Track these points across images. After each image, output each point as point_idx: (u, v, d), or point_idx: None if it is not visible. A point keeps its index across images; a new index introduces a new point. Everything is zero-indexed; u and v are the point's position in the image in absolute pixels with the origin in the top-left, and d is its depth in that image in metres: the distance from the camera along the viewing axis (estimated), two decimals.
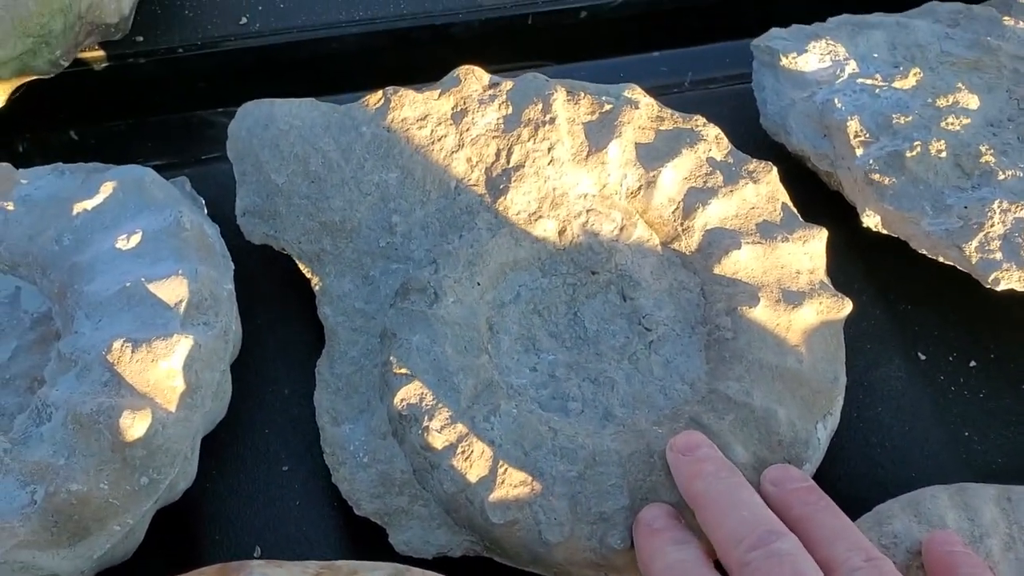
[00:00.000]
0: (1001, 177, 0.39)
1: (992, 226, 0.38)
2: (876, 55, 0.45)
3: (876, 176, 0.40)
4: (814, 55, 0.44)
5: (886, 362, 0.42)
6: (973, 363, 0.42)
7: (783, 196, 0.40)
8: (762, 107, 0.45)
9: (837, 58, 0.44)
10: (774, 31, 0.46)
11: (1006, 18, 0.45)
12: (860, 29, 0.46)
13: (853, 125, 0.42)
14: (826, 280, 0.39)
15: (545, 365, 0.38)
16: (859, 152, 0.41)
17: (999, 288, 0.38)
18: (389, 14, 0.54)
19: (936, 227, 0.39)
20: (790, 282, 0.38)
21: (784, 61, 0.44)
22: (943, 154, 0.40)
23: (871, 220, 0.41)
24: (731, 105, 0.49)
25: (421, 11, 0.55)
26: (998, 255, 0.37)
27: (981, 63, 0.43)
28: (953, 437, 0.40)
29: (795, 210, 0.41)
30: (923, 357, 0.42)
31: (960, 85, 0.43)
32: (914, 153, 0.40)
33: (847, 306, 0.38)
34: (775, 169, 0.41)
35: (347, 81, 0.54)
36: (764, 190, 0.40)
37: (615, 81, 0.52)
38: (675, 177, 0.40)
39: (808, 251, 0.39)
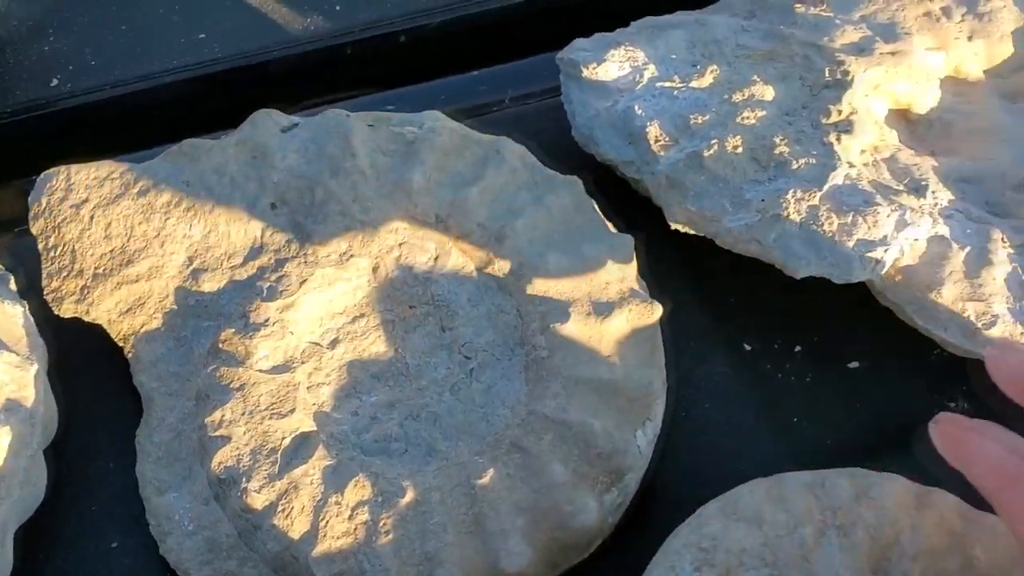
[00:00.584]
0: (795, 166, 0.40)
1: (788, 216, 0.39)
2: (675, 56, 0.45)
3: (678, 178, 0.41)
4: (614, 63, 0.45)
5: (711, 358, 0.43)
6: (798, 348, 0.43)
7: (589, 208, 0.41)
8: (572, 120, 0.46)
9: (636, 64, 0.45)
10: (577, 42, 0.47)
11: (797, 5, 0.47)
12: (660, 31, 0.47)
13: (653, 130, 0.42)
14: (638, 286, 0.39)
15: (367, 408, 0.37)
16: (661, 156, 0.42)
17: (799, 277, 0.38)
18: (204, 59, 0.54)
19: (736, 223, 0.39)
20: (600, 293, 0.38)
21: (586, 72, 0.45)
22: (739, 149, 0.41)
23: (678, 222, 0.41)
24: (548, 119, 0.49)
25: (236, 52, 0.54)
26: (795, 244, 0.38)
27: (775, 53, 0.44)
28: (782, 425, 0.41)
29: (604, 220, 0.41)
30: (749, 348, 0.43)
31: (756, 78, 0.44)
32: (711, 152, 0.41)
33: (657, 310, 0.38)
34: (580, 182, 0.42)
35: (166, 132, 0.53)
36: (570, 203, 0.41)
37: (437, 105, 0.52)
38: (482, 200, 0.40)
39: (617, 259, 0.39)
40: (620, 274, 0.39)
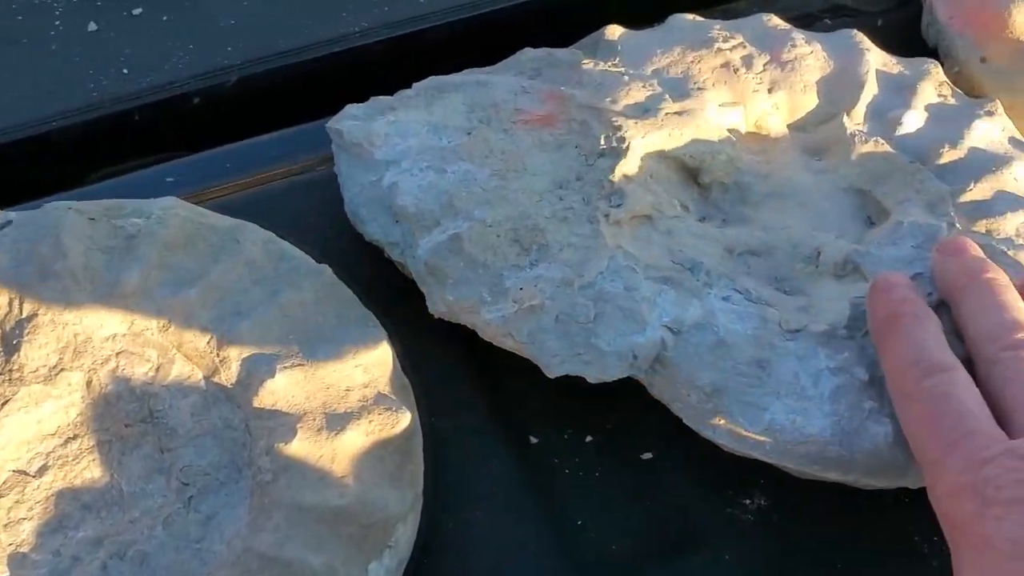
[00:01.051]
0: (558, 250, 0.36)
1: (543, 307, 0.35)
2: (450, 123, 0.41)
3: (437, 264, 0.37)
4: (384, 133, 0.41)
5: (491, 455, 0.39)
6: (589, 438, 0.39)
7: (339, 300, 0.37)
8: (344, 193, 0.42)
9: (408, 133, 0.41)
10: (349, 108, 0.43)
11: (585, 61, 0.43)
12: (440, 94, 0.43)
13: (416, 209, 0.38)
14: (389, 389, 0.35)
15: (72, 546, 0.33)
16: (422, 239, 0.38)
17: (553, 376, 0.35)
18: None
19: (494, 315, 0.36)
20: (338, 403, 0.34)
21: (352, 142, 0.41)
22: (503, 230, 0.37)
23: (440, 312, 0.37)
24: (327, 191, 0.45)
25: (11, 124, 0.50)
26: (549, 339, 0.34)
27: (552, 117, 0.41)
28: (566, 530, 0.37)
29: (361, 313, 0.37)
30: (535, 441, 0.39)
31: (530, 146, 0.40)
32: (473, 233, 0.37)
33: (404, 419, 0.34)
34: (328, 271, 0.38)
35: None
36: (312, 298, 0.36)
37: (223, 174, 0.48)
38: (207, 300, 0.36)
39: (362, 362, 0.35)
40: (365, 378, 0.35)
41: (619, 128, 0.39)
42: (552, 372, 0.34)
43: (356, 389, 0.35)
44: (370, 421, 0.34)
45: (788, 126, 0.42)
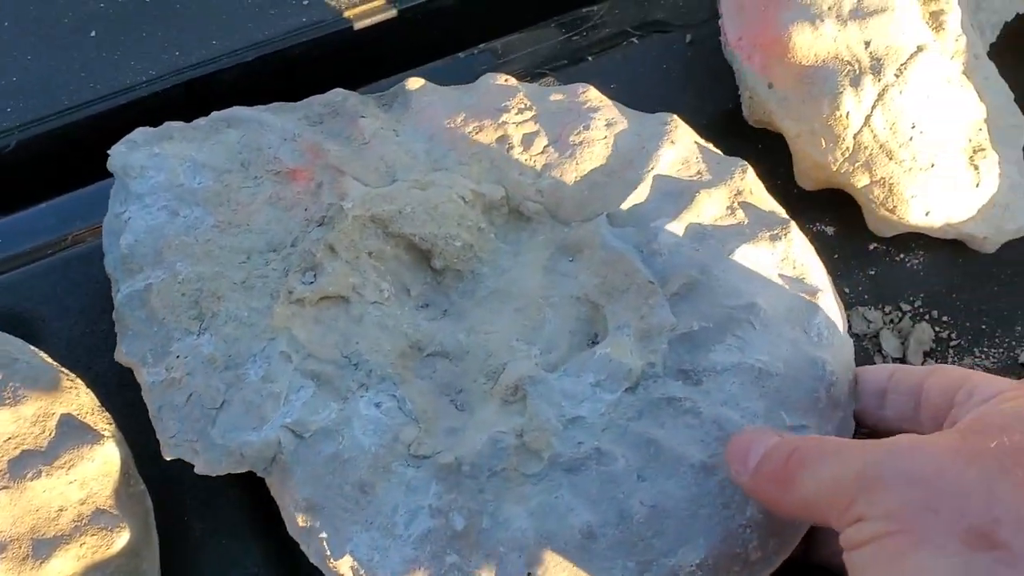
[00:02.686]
0: (222, 322, 0.35)
1: (181, 382, 0.34)
2: (213, 162, 0.40)
3: (125, 313, 0.36)
4: (139, 164, 0.40)
5: (246, 555, 0.36)
6: None
7: (66, 404, 0.34)
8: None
9: (164, 167, 0.40)
10: (136, 132, 0.41)
11: (367, 116, 0.40)
12: (224, 128, 0.41)
13: (129, 251, 0.37)
14: (111, 503, 0.33)
15: None
16: (123, 284, 0.37)
17: (167, 458, 0.33)
18: None
19: (150, 379, 0.35)
20: (47, 526, 0.32)
21: (115, 168, 0.40)
22: (189, 289, 0.36)
23: (119, 360, 0.37)
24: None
25: None
26: (170, 419, 0.33)
27: (300, 173, 0.39)
28: None
29: (93, 417, 0.34)
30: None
31: (266, 200, 0.38)
32: (161, 287, 0.36)
33: (122, 537, 0.32)
34: (58, 371, 0.36)
35: None
36: (29, 410, 0.34)
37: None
38: None
39: (76, 477, 0.33)
40: (81, 494, 0.33)
41: (345, 195, 0.37)
42: (166, 454, 0.33)
43: (70, 508, 0.32)
44: (81, 544, 0.32)
45: (553, 217, 0.38)
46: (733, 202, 0.38)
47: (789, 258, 0.36)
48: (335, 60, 0.50)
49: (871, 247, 0.43)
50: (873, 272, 0.43)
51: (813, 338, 0.35)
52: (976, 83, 0.42)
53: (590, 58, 0.49)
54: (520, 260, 0.38)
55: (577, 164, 0.38)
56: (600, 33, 0.50)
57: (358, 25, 0.50)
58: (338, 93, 0.42)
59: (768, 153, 0.44)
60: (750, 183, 0.38)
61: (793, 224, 0.37)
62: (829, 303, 0.36)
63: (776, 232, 0.37)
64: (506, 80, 0.42)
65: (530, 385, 0.33)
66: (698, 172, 0.38)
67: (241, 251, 0.37)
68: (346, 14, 0.50)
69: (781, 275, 0.36)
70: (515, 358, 0.35)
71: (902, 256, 0.43)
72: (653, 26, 0.50)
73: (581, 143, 0.39)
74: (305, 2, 0.51)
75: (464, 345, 0.36)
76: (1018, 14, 0.47)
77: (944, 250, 0.43)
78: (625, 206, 0.37)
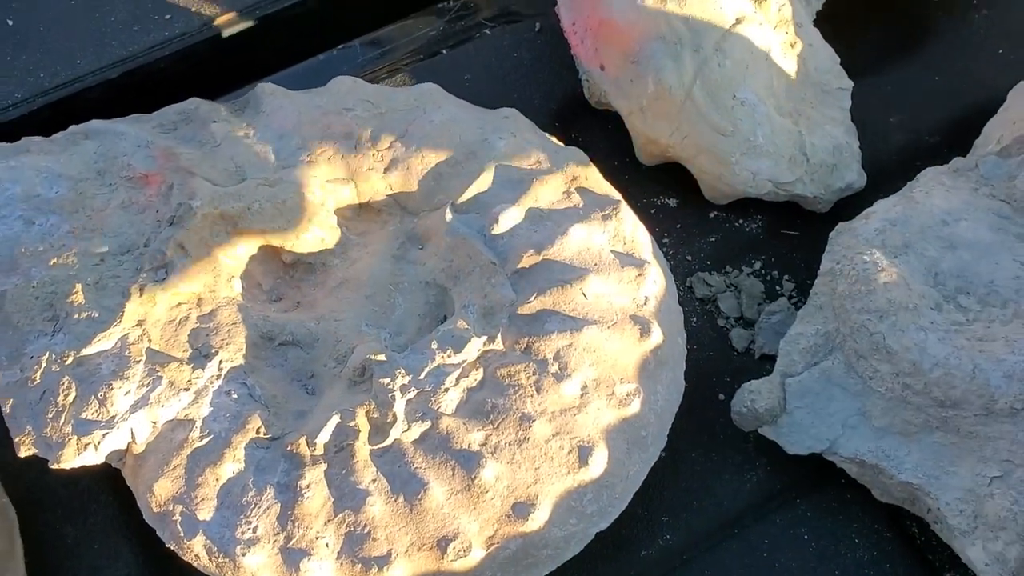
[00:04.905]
0: (75, 323, 0.36)
1: (33, 381, 0.34)
2: (70, 172, 0.40)
3: None
4: (7, 171, 0.41)
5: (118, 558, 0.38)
6: None
7: None
8: None
9: (20, 178, 0.40)
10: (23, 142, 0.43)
11: (218, 121, 0.42)
12: (85, 139, 0.42)
13: None
14: None
15: None
16: None
17: (20, 456, 0.34)
18: None
19: (7, 379, 0.35)
20: None
21: None
22: (43, 293, 0.37)
23: None
24: None
25: None
26: (26, 417, 0.34)
27: (152, 178, 0.40)
28: None
29: None
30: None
31: (120, 205, 0.39)
32: (16, 293, 0.37)
33: None
34: None
35: None
36: None
37: None
38: None
39: None
40: None
41: (194, 194, 0.38)
42: (19, 451, 0.34)
43: None
44: None
45: (402, 208, 0.40)
46: (569, 187, 0.40)
47: (619, 235, 0.38)
48: (197, 72, 0.52)
49: (711, 215, 0.45)
50: (714, 239, 0.45)
51: (641, 307, 0.37)
52: (801, 50, 0.44)
53: (444, 51, 0.50)
54: (370, 250, 0.39)
55: (423, 157, 0.40)
56: (455, 27, 0.52)
57: (218, 36, 0.52)
58: (192, 102, 0.44)
59: (613, 134, 0.46)
60: (585, 169, 0.40)
61: (624, 204, 0.39)
62: (656, 275, 0.38)
63: (607, 212, 0.39)
64: (355, 82, 0.43)
65: (376, 365, 0.35)
66: (537, 161, 0.40)
67: (95, 254, 0.38)
68: (207, 26, 0.52)
69: (612, 251, 0.38)
70: (363, 342, 0.36)
71: (741, 222, 0.45)
72: (506, 17, 0.52)
73: (425, 137, 0.41)
74: (168, 16, 0.53)
75: (314, 333, 0.37)
76: None
77: (782, 213, 0.45)
78: (469, 195, 0.39)
